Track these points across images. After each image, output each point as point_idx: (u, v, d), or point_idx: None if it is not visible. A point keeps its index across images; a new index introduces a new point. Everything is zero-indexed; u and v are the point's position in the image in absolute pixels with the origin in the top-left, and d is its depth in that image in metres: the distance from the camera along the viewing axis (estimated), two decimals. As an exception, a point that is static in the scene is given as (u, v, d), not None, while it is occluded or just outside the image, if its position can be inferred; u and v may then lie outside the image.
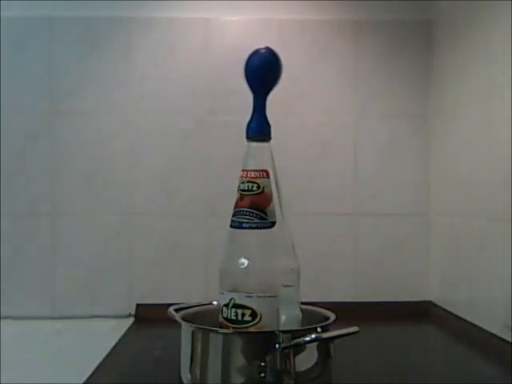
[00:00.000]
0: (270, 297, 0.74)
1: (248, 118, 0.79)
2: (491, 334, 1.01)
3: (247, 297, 0.73)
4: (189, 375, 0.75)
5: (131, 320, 1.24)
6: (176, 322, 0.79)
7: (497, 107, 1.01)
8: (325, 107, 1.31)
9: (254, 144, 0.78)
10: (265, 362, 0.70)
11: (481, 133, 1.07)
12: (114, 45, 1.29)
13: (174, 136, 1.29)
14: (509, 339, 0.96)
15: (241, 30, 1.18)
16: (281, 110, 1.26)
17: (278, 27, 1.27)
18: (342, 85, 1.31)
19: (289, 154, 1.27)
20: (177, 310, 0.82)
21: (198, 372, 0.74)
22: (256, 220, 0.75)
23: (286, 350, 0.70)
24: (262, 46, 0.78)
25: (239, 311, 0.74)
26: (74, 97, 1.28)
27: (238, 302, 0.74)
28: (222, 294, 0.76)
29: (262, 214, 0.75)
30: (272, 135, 0.78)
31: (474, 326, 1.08)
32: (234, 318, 0.74)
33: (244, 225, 0.75)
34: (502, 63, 0.99)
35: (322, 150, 1.30)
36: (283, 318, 0.75)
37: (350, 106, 1.31)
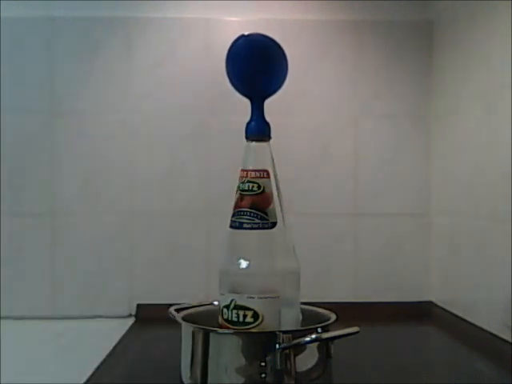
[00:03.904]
0: (271, 298, 0.74)
1: (248, 118, 0.79)
2: (491, 334, 1.01)
3: (249, 298, 0.73)
4: (189, 375, 0.75)
5: (132, 320, 1.24)
6: (176, 322, 0.79)
7: (497, 107, 1.01)
8: (325, 107, 1.31)
9: (254, 144, 0.78)
10: (265, 362, 0.70)
11: (481, 133, 1.08)
12: (114, 45, 1.28)
13: (174, 136, 1.29)
14: (509, 339, 0.96)
15: (241, 30, 1.17)
16: (281, 110, 1.25)
17: (278, 27, 1.27)
18: (342, 85, 1.31)
19: (289, 154, 1.27)
20: (177, 311, 0.82)
21: (198, 372, 0.74)
22: (257, 220, 0.74)
23: (287, 351, 0.70)
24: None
25: (241, 312, 0.73)
26: (74, 97, 1.28)
27: (240, 303, 0.74)
28: (223, 295, 0.76)
29: (262, 215, 0.74)
30: (272, 135, 0.78)
31: (474, 326, 1.08)
32: (235, 319, 0.74)
33: (245, 225, 0.75)
34: (503, 63, 0.99)
35: (322, 149, 1.30)
36: (283, 319, 0.74)
37: (350, 105, 1.31)
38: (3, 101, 1.27)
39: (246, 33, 0.78)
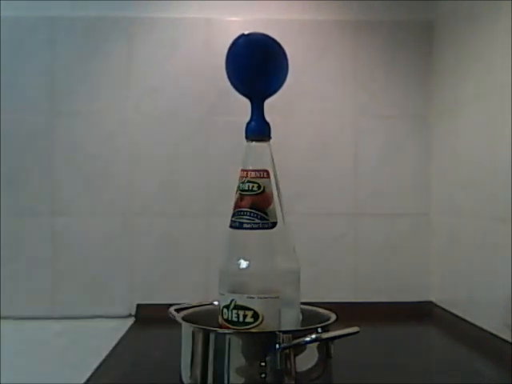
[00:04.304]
0: (271, 298, 0.74)
1: (248, 118, 0.79)
2: (491, 334, 1.01)
3: (249, 298, 0.73)
4: (189, 375, 0.75)
5: (131, 320, 1.24)
6: (176, 322, 0.79)
7: (497, 107, 1.01)
8: (325, 107, 1.31)
9: (254, 144, 0.78)
10: (265, 362, 0.70)
11: (481, 132, 1.08)
12: (115, 45, 1.28)
13: (174, 136, 1.29)
14: (509, 339, 0.96)
15: (241, 30, 1.18)
16: (281, 110, 1.26)
17: (277, 27, 1.27)
18: (341, 85, 1.31)
19: (289, 154, 1.27)
20: (177, 310, 0.82)
21: (198, 372, 0.74)
22: (257, 220, 0.74)
23: (287, 351, 0.70)
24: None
25: (241, 313, 0.73)
26: (74, 97, 1.28)
27: (240, 303, 0.73)
28: (222, 295, 0.76)
29: (262, 215, 0.74)
30: (272, 135, 0.78)
31: (474, 326, 1.08)
32: (235, 319, 0.74)
33: (245, 225, 0.75)
34: (503, 63, 0.99)
35: (322, 149, 1.30)
36: (283, 319, 0.74)
37: (349, 105, 1.31)
38: (3, 101, 1.27)
39: (246, 32, 0.78)
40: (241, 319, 0.73)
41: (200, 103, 1.29)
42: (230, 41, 0.78)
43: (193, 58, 1.29)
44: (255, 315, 0.73)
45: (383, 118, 1.31)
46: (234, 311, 0.74)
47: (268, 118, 0.78)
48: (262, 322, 0.73)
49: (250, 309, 0.73)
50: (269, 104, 0.79)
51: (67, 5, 1.27)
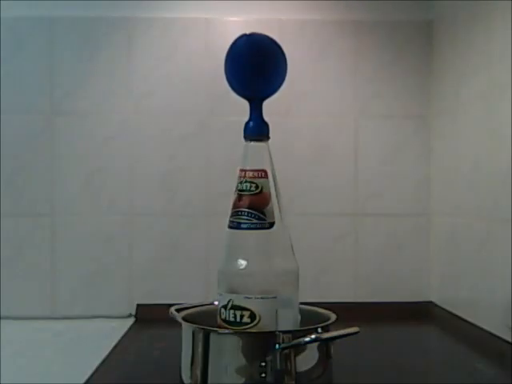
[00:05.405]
0: (269, 298, 0.74)
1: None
2: (491, 334, 1.01)
3: (246, 298, 0.73)
4: (189, 375, 0.75)
5: (131, 320, 1.24)
6: (176, 322, 0.79)
7: (497, 107, 1.01)
8: (325, 107, 1.31)
9: (252, 144, 0.78)
10: (265, 362, 0.70)
11: (481, 132, 1.08)
12: (114, 45, 1.28)
13: (174, 136, 1.29)
14: (509, 339, 0.96)
15: (241, 30, 1.18)
16: (281, 111, 1.26)
17: (278, 27, 1.27)
18: (342, 85, 1.31)
19: (289, 154, 1.27)
20: (178, 310, 0.82)
21: (198, 372, 0.74)
22: (254, 220, 0.74)
23: (287, 351, 0.70)
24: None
25: (238, 313, 0.73)
26: (73, 97, 1.28)
27: (237, 303, 0.74)
28: (221, 295, 0.76)
29: (260, 215, 0.74)
30: (272, 135, 0.78)
31: (474, 326, 1.08)
32: (232, 319, 0.74)
33: (242, 225, 0.75)
34: (503, 63, 0.99)
35: (322, 150, 1.30)
36: (281, 319, 0.74)
37: (350, 106, 1.31)
38: (3, 101, 1.27)
39: (247, 32, 0.78)
40: (238, 319, 0.73)
41: (200, 103, 1.29)
42: (230, 41, 0.78)
43: (192, 58, 1.29)
44: (252, 315, 0.73)
45: (383, 118, 1.31)
46: (231, 311, 0.74)
47: (268, 118, 0.78)
48: (258, 323, 0.73)
49: (247, 309, 0.73)
50: (269, 104, 0.79)
51: (67, 5, 1.27)
